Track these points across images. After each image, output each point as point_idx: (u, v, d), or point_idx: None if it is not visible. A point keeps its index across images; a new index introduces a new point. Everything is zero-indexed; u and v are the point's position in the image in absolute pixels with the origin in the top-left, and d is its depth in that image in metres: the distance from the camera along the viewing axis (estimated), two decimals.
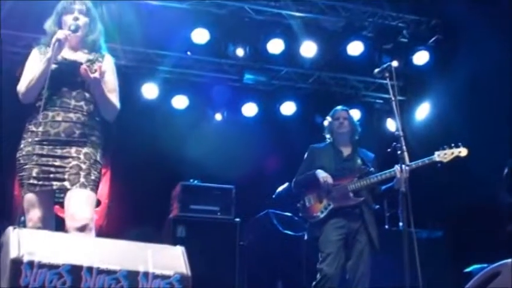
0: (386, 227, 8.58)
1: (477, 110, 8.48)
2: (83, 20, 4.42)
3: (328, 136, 6.60)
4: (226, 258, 7.83)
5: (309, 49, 9.89)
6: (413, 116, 10.45)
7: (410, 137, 6.38)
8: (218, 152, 9.64)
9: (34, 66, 4.28)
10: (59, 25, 4.41)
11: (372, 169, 6.21)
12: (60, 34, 4.21)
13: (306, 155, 6.58)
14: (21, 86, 4.28)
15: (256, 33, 9.81)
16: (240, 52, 9.83)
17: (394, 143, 5.10)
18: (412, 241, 4.58)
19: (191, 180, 8.34)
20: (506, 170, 6.65)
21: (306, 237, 6.45)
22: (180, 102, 10.19)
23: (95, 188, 4.19)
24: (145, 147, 9.38)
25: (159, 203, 8.68)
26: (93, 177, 4.17)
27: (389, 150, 5.30)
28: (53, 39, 4.18)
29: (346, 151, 6.47)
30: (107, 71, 4.45)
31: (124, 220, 8.68)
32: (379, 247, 6.10)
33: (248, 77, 10.19)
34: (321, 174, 6.11)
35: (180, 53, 9.98)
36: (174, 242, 6.52)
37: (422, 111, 10.41)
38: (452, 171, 7.75)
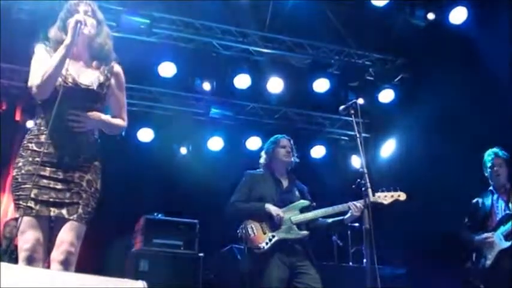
0: (351, 263, 8.58)
1: (440, 147, 8.58)
2: (89, 20, 4.13)
3: (264, 163, 6.36)
4: None
5: (275, 85, 9.97)
6: (378, 153, 10.55)
7: (374, 174, 6.41)
8: (183, 185, 9.59)
9: (46, 59, 4.01)
10: (65, 30, 4.11)
11: (314, 203, 6.06)
12: (79, 16, 4.02)
13: (243, 180, 6.26)
14: (35, 79, 3.96)
15: (224, 68, 9.87)
16: (206, 86, 9.85)
17: (358, 180, 5.12)
18: (375, 278, 4.58)
19: (155, 214, 8.23)
20: (469, 209, 6.72)
21: (247, 268, 5.95)
22: (145, 135, 10.16)
23: (88, 221, 4.03)
24: (108, 179, 9.28)
25: (122, 237, 8.56)
26: (89, 209, 4.04)
27: (353, 186, 5.31)
28: (71, 23, 3.98)
29: (285, 182, 6.22)
30: (115, 87, 4.30)
31: (86, 253, 8.54)
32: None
33: (214, 111, 10.21)
34: (272, 208, 5.84)
35: (146, 86, 9.97)
36: (136, 276, 6.42)
37: (387, 148, 10.51)
38: (416, 208, 7.83)
